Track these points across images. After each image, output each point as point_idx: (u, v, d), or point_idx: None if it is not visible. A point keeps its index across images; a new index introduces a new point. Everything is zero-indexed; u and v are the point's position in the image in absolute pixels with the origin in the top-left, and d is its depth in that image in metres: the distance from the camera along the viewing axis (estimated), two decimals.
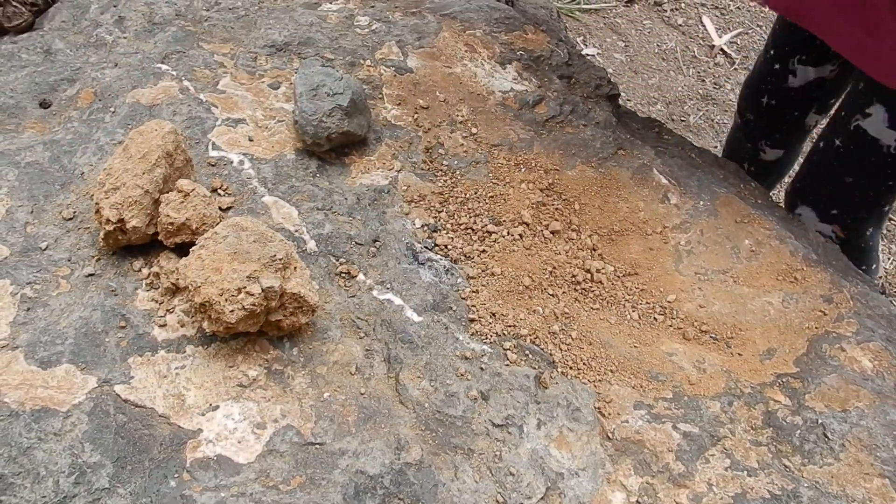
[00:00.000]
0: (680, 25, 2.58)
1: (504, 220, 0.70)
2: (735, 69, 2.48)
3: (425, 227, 0.68)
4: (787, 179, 1.71)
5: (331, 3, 0.86)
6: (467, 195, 0.71)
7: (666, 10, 2.64)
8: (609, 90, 0.87)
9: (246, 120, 0.71)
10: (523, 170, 0.74)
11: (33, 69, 0.76)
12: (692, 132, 2.28)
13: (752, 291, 0.73)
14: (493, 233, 0.69)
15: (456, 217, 0.69)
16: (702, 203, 0.78)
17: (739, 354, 0.69)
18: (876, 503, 0.62)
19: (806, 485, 0.61)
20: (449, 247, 0.67)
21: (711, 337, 0.70)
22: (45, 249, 0.59)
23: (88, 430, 0.52)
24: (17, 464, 0.50)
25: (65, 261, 0.59)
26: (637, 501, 0.58)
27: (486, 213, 0.70)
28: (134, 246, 0.59)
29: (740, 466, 0.61)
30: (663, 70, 2.44)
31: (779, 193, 1.82)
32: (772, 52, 1.20)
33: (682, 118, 2.32)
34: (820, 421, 0.65)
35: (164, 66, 0.74)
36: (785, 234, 0.78)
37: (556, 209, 0.73)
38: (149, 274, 0.59)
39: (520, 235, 0.69)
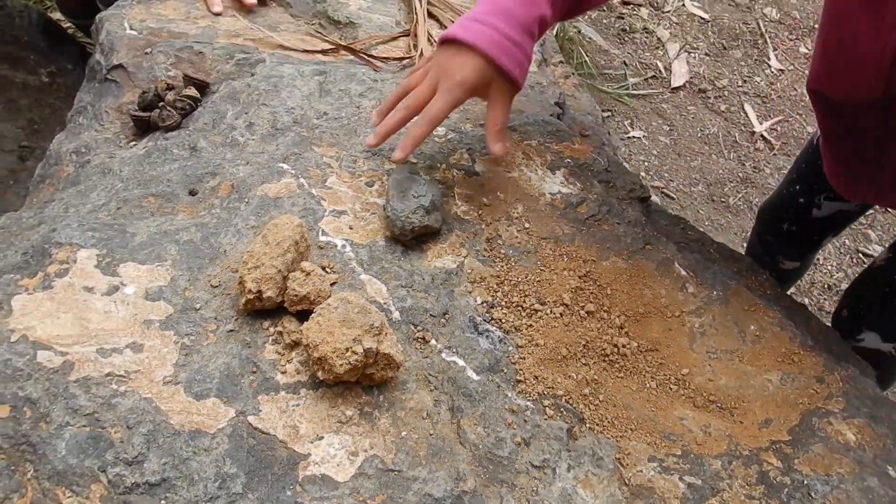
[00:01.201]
0: (723, 112, 2.74)
1: (548, 301, 0.87)
2: (774, 154, 2.62)
3: (484, 304, 0.85)
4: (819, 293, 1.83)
5: None
6: (519, 279, 0.88)
7: (710, 97, 2.81)
8: (641, 193, 1.03)
9: (347, 211, 0.90)
10: (565, 259, 0.91)
11: (183, 163, 0.97)
12: (731, 212, 2.42)
13: (754, 370, 0.87)
14: (539, 310, 0.86)
15: (509, 296, 0.86)
16: (715, 293, 0.93)
17: (741, 422, 0.83)
18: None
19: None
20: (503, 320, 0.84)
21: (717, 406, 0.84)
22: (198, 309, 0.79)
23: (228, 448, 0.70)
24: (178, 470, 0.68)
25: (212, 319, 0.78)
26: None
27: (534, 294, 0.87)
28: (265, 310, 0.78)
29: None
30: (705, 153, 2.59)
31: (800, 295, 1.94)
32: (797, 186, 1.29)
33: (722, 199, 2.46)
34: (805, 482, 0.78)
35: (285, 166, 0.94)
36: (787, 323, 0.93)
37: (592, 293, 0.89)
38: (274, 332, 0.77)
39: (560, 314, 0.86)
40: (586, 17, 3.03)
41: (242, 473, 0.69)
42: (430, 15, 1.29)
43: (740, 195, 2.45)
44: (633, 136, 2.66)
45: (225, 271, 0.82)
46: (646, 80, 2.87)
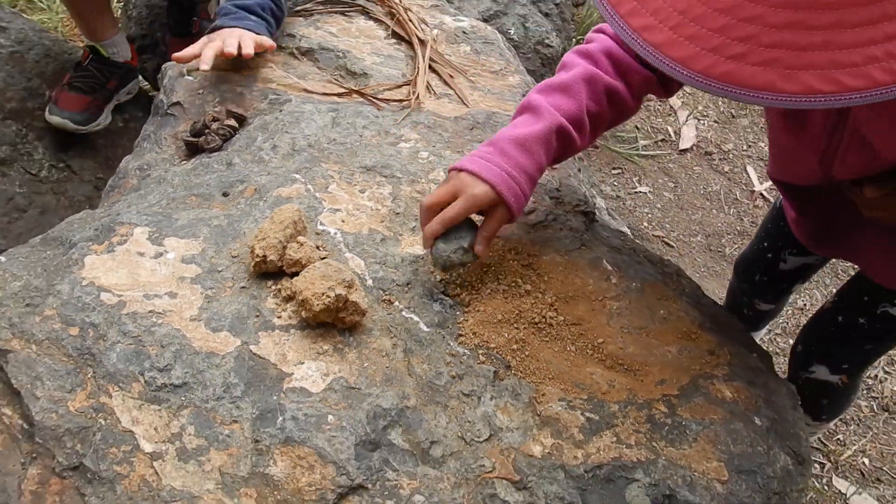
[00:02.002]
0: (726, 172, 2.95)
1: (493, 281, 1.10)
2: None
3: (442, 281, 1.08)
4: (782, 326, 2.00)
5: (406, 143, 1.32)
6: (473, 264, 1.11)
7: (715, 159, 3.02)
8: (585, 208, 1.26)
9: (342, 209, 1.16)
10: (513, 252, 1.14)
11: (220, 174, 1.24)
12: (726, 261, 2.60)
13: (658, 342, 1.08)
14: (484, 287, 1.08)
15: (462, 276, 1.09)
16: (634, 284, 1.15)
17: (641, 380, 1.03)
18: (710, 476, 0.93)
19: (663, 458, 0.94)
20: (454, 293, 1.07)
21: (624, 368, 1.04)
22: (220, 272, 1.04)
23: (233, 365, 0.94)
24: (195, 378, 0.92)
25: (230, 278, 1.03)
26: (548, 452, 0.93)
27: (483, 275, 1.10)
28: (269, 273, 1.03)
29: (622, 442, 0.95)
30: (706, 208, 2.79)
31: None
32: (765, 244, 1.50)
33: (719, 249, 2.64)
34: (683, 423, 0.98)
35: (297, 175, 1.21)
36: (692, 311, 1.13)
37: (530, 278, 1.11)
38: (275, 289, 1.02)
39: (502, 291, 1.09)
40: None
41: (242, 383, 0.92)
42: (431, 69, 1.58)
43: (736, 246, 2.63)
44: (640, 191, 2.89)
45: (243, 246, 1.08)
46: (655, 142, 3.11)
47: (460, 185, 1.01)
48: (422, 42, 1.64)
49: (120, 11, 2.50)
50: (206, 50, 1.35)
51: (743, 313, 1.73)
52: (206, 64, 1.34)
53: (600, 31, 1.09)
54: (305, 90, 1.44)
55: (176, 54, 1.38)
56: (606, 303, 1.11)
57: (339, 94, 1.43)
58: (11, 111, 1.97)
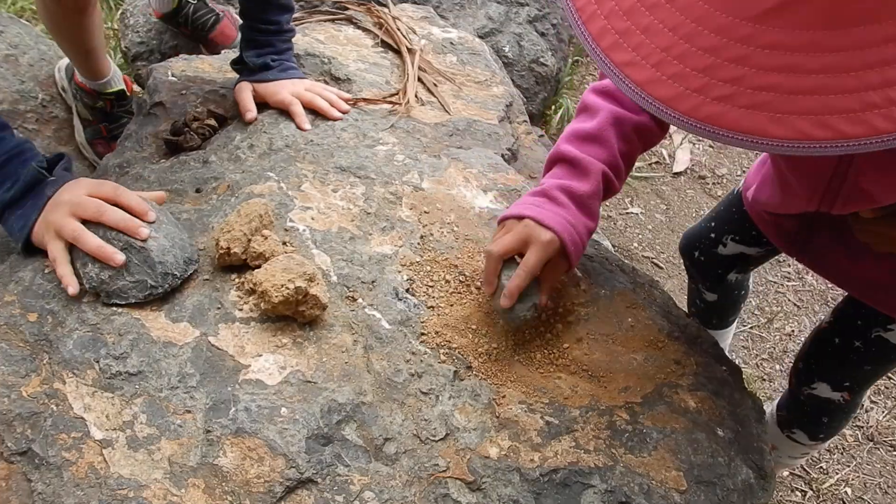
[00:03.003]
0: (719, 196, 2.95)
1: (460, 284, 1.09)
2: None
3: (408, 280, 1.08)
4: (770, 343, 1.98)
5: (382, 145, 1.32)
6: (441, 265, 1.11)
7: (708, 183, 3.02)
8: None
9: (313, 208, 1.16)
10: (481, 255, 1.14)
11: (195, 171, 1.25)
12: None
13: (624, 350, 1.07)
14: (452, 290, 1.08)
15: (430, 276, 1.09)
16: (603, 292, 1.14)
17: (605, 387, 1.02)
18: (669, 485, 0.92)
19: (621, 465, 0.92)
20: (419, 293, 1.06)
21: (589, 374, 1.03)
22: None
23: (190, 356, 0.93)
24: (151, 367, 0.92)
25: (196, 271, 1.03)
26: (504, 454, 0.92)
27: (451, 278, 1.10)
28: (233, 266, 1.03)
29: (580, 447, 0.93)
30: None
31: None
32: (712, 223, 1.49)
33: None
34: (644, 431, 0.96)
35: (271, 174, 1.21)
36: (661, 320, 1.12)
37: None
38: (238, 282, 1.02)
39: (470, 294, 1.08)
40: None
41: (198, 374, 0.92)
42: (419, 78, 1.58)
43: None
44: (631, 212, 2.89)
45: (209, 240, 1.07)
46: (649, 164, 3.11)
47: (529, 232, 0.98)
48: (410, 51, 1.65)
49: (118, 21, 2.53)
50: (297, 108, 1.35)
51: (697, 305, 1.72)
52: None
53: None
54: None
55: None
56: (575, 308, 1.10)
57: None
58: (3, 112, 1.98)
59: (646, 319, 1.11)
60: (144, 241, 0.95)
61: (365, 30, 1.72)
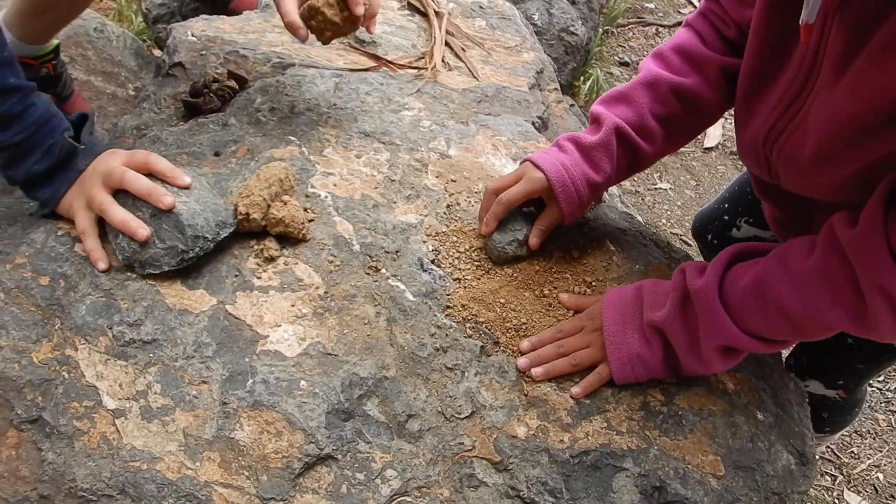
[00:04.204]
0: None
1: (489, 256, 1.04)
2: None
3: (433, 251, 1.03)
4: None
5: (408, 110, 1.27)
6: (468, 236, 1.06)
7: (738, 160, 2.93)
8: None
9: (335, 174, 1.11)
10: None
11: (214, 134, 1.20)
12: None
13: None
14: (479, 261, 1.03)
15: (456, 248, 1.04)
16: (637, 266, 1.08)
17: None
18: (705, 470, 0.87)
19: (656, 447, 0.88)
20: (445, 265, 1.02)
21: None
22: None
23: (207, 325, 0.89)
24: (166, 335, 0.88)
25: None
26: (533, 434, 0.87)
27: (479, 248, 1.05)
28: (252, 232, 0.99)
29: (612, 429, 0.89)
30: None
31: None
32: (726, 205, 1.41)
33: None
34: (679, 413, 0.91)
35: (293, 138, 1.16)
36: None
37: (530, 253, 1.06)
38: (257, 249, 0.98)
39: (500, 266, 1.03)
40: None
41: (214, 343, 0.88)
42: (445, 42, 1.52)
43: None
44: (660, 188, 2.81)
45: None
46: None
47: (523, 171, 1.03)
48: (438, 14, 1.59)
49: None
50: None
51: None
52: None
53: (688, 24, 1.04)
54: (309, 56, 1.39)
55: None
56: (608, 283, 1.05)
57: (358, 69, 1.38)
58: None
59: None
60: (171, 209, 0.91)
61: None
